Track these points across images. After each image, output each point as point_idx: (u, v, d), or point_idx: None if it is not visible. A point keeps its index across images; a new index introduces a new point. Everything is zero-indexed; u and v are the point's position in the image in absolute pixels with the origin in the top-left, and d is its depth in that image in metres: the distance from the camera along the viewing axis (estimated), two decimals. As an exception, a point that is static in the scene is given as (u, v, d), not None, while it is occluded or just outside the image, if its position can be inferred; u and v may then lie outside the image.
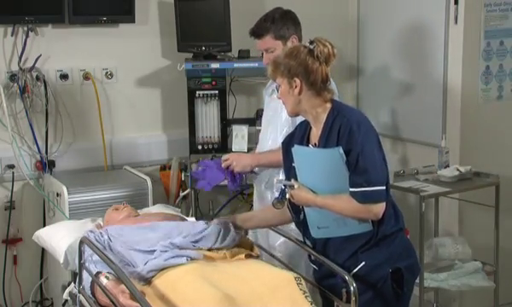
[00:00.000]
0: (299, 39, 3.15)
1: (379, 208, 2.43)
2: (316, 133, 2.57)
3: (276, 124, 3.19)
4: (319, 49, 2.47)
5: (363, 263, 2.49)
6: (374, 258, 2.49)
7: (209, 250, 2.75)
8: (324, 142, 2.51)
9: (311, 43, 2.50)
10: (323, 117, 2.52)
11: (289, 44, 3.07)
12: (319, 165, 2.50)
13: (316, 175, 2.52)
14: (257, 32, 3.11)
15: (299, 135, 2.66)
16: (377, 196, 2.41)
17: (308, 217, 2.59)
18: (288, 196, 2.60)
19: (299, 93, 2.50)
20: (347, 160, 2.41)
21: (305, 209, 2.59)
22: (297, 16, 3.19)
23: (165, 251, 2.65)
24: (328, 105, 2.54)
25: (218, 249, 2.73)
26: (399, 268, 2.48)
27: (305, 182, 2.54)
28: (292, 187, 2.57)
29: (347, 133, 2.43)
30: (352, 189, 2.41)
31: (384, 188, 2.42)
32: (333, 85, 2.70)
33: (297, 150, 2.59)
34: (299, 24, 3.18)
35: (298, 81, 2.49)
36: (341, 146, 2.42)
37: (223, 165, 3.15)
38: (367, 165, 2.39)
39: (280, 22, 3.09)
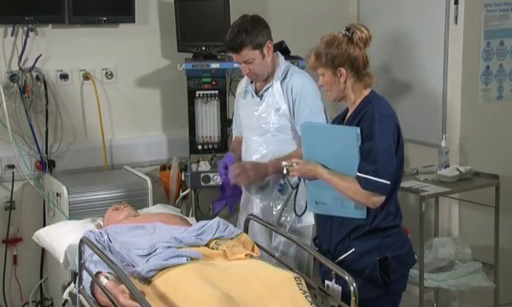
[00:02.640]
0: (272, 42, 3.17)
1: (377, 199, 2.52)
2: (349, 114, 2.67)
3: (267, 128, 3.20)
4: (357, 35, 2.54)
5: (353, 249, 2.60)
6: (363, 246, 2.59)
7: (208, 244, 2.77)
8: (349, 123, 2.61)
9: (348, 30, 2.56)
10: (358, 102, 2.62)
11: (265, 51, 3.11)
12: (331, 142, 2.58)
13: (324, 152, 2.60)
14: (235, 47, 3.09)
15: (340, 115, 2.76)
16: (380, 188, 2.49)
17: (309, 190, 2.69)
18: (288, 172, 2.72)
19: (345, 81, 2.58)
20: (361, 145, 2.50)
21: (306, 182, 2.69)
22: (264, 19, 3.19)
23: (168, 246, 2.66)
24: (366, 92, 2.62)
25: (217, 243, 2.75)
26: (386, 257, 2.56)
27: (312, 159, 2.62)
28: (291, 165, 2.68)
29: (369, 121, 2.51)
30: (358, 174, 2.50)
31: (389, 182, 2.50)
32: None
33: (306, 127, 2.70)
34: (269, 27, 3.18)
35: (343, 70, 2.57)
36: (364, 130, 2.51)
37: (233, 182, 3.18)
38: (378, 156, 2.48)
39: (254, 31, 3.08)
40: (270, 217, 3.22)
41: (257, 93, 3.25)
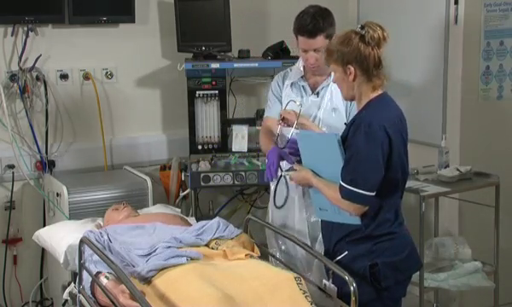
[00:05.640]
0: None
1: (358, 209, 2.50)
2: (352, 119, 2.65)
3: (323, 127, 3.07)
4: (369, 34, 2.49)
5: (346, 252, 2.59)
6: (356, 250, 2.57)
7: (208, 244, 2.77)
8: (348, 127, 2.58)
9: (362, 28, 2.52)
10: (363, 104, 2.58)
11: None
12: (321, 150, 2.58)
13: (316, 159, 2.61)
14: (311, 32, 2.99)
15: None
16: (359, 199, 2.47)
17: (312, 197, 2.70)
18: (288, 179, 2.78)
19: (354, 79, 2.54)
20: (345, 152, 2.49)
21: (311, 190, 2.68)
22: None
23: (168, 246, 2.66)
24: (373, 94, 2.57)
25: (217, 243, 2.75)
26: (377, 263, 2.53)
27: (307, 166, 2.64)
28: (292, 169, 2.70)
29: (355, 128, 2.48)
30: (340, 182, 2.49)
31: (371, 194, 2.46)
32: None
33: (302, 135, 2.70)
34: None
35: (352, 68, 2.52)
36: (348, 137, 2.49)
37: None
38: (357, 167, 2.45)
39: (328, 20, 3.02)
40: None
41: (312, 90, 3.12)
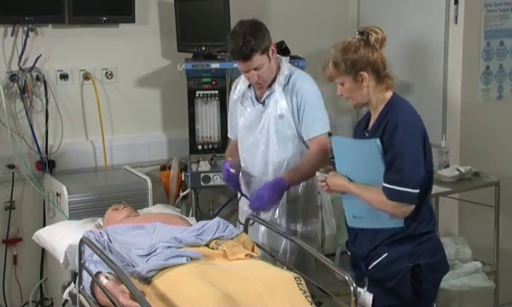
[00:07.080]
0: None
1: (405, 209, 2.47)
2: (372, 122, 2.61)
3: (269, 135, 3.10)
4: (373, 37, 2.49)
5: (386, 254, 2.55)
6: (396, 251, 2.53)
7: (208, 244, 2.77)
8: (373, 132, 2.55)
9: (362, 33, 2.51)
10: (380, 107, 2.56)
11: (270, 54, 3.00)
12: (357, 155, 2.55)
13: (353, 164, 2.57)
14: (245, 54, 2.93)
15: (362, 122, 2.70)
16: (406, 197, 2.45)
17: (345, 205, 2.65)
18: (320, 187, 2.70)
19: (367, 85, 2.53)
20: (385, 155, 2.46)
21: (343, 198, 2.64)
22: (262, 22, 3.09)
23: (168, 246, 2.66)
24: (388, 95, 2.57)
25: (217, 243, 2.75)
26: (419, 264, 2.51)
27: (342, 172, 2.60)
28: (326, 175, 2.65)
29: (391, 129, 2.47)
30: (384, 184, 2.46)
31: (416, 191, 2.45)
32: None
33: (335, 140, 2.66)
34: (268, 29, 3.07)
35: (365, 74, 2.51)
36: (384, 140, 2.46)
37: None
38: (402, 166, 2.43)
39: (260, 35, 2.96)
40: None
41: (258, 99, 3.14)
